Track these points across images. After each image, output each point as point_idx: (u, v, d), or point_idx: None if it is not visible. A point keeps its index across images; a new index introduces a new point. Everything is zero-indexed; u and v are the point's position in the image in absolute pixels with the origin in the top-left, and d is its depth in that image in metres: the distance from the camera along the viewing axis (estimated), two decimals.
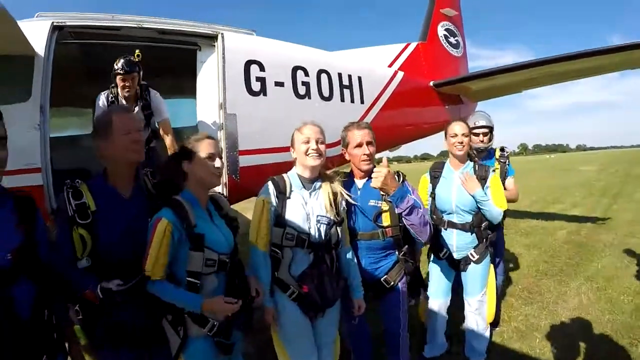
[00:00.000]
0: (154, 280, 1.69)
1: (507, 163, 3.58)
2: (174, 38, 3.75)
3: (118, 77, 3.33)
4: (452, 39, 7.54)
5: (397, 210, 2.31)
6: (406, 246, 2.49)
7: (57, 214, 1.90)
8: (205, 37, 3.82)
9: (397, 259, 2.48)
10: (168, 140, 3.57)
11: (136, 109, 3.47)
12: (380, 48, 6.21)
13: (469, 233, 2.86)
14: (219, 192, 3.11)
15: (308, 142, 2.16)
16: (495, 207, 2.78)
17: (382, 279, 2.45)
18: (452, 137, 2.87)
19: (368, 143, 2.42)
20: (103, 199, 1.77)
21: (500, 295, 3.83)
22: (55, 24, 3.26)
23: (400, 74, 5.59)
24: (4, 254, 1.43)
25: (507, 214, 3.18)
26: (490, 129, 3.57)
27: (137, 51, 3.35)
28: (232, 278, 1.89)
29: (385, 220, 2.39)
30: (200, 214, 1.83)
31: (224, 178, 3.52)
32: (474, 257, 2.87)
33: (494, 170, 3.07)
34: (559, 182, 19.17)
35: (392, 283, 2.45)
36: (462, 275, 2.98)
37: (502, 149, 3.67)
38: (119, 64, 3.31)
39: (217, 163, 1.89)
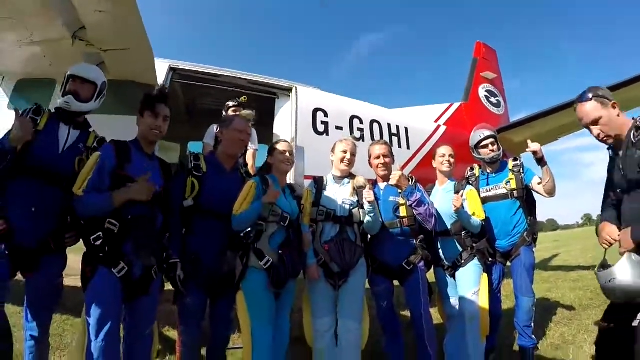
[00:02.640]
0: (237, 214, 2.42)
1: (521, 172, 3.53)
2: (259, 87, 4.76)
3: (231, 110, 4.18)
4: (493, 99, 8.25)
5: (408, 203, 2.92)
6: (422, 235, 3.06)
7: (180, 167, 2.73)
8: (282, 89, 4.81)
9: (415, 245, 3.03)
10: (250, 165, 4.36)
11: None
12: (428, 107, 7.01)
13: (451, 239, 3.23)
14: None
15: (345, 152, 2.97)
16: (474, 219, 3.13)
17: (403, 263, 2.98)
18: (440, 157, 3.37)
19: (384, 156, 3.14)
20: (212, 167, 2.61)
21: (537, 319, 3.64)
22: (171, 66, 4.34)
23: (443, 128, 6.31)
24: (158, 186, 2.28)
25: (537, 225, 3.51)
26: (496, 137, 3.64)
27: (243, 97, 4.28)
28: (289, 234, 2.62)
29: (403, 212, 2.99)
30: (276, 186, 2.65)
31: None
32: (459, 262, 3.18)
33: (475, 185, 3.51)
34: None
35: (412, 265, 2.96)
36: (456, 281, 3.23)
37: (515, 159, 3.65)
38: (231, 102, 4.19)
39: (287, 155, 2.76)
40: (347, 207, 2.89)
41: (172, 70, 4.32)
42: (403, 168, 5.31)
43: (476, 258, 3.17)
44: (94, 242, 2.12)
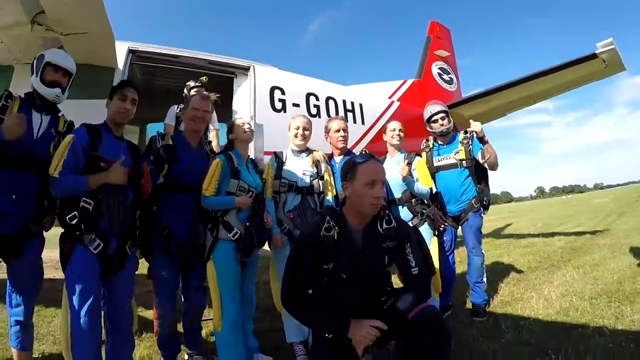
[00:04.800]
0: (207, 195, 2.66)
1: (469, 144, 3.81)
2: (218, 67, 4.92)
3: (193, 90, 4.18)
4: (445, 76, 8.71)
5: None
6: None
7: (148, 147, 2.80)
8: (240, 68, 5.00)
9: None
10: (214, 144, 4.53)
11: None
12: (381, 84, 7.37)
13: (401, 207, 3.53)
14: None
15: (298, 128, 3.26)
16: (421, 186, 3.43)
17: None
18: (391, 131, 3.66)
19: (343, 129, 3.46)
20: (179, 144, 2.78)
21: (489, 279, 4.04)
22: (130, 48, 4.41)
23: (397, 104, 6.71)
24: (125, 165, 2.40)
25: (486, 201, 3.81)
26: (446, 112, 3.94)
27: (203, 78, 4.33)
28: (255, 207, 2.85)
29: None
30: (240, 163, 2.88)
31: None
32: None
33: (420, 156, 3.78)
34: (568, 212, 19.51)
35: None
36: None
37: (465, 132, 3.90)
38: (192, 82, 4.25)
39: (246, 127, 2.97)
40: (308, 178, 3.17)
41: (131, 52, 4.40)
42: (358, 142, 5.70)
43: (426, 223, 3.48)
44: (70, 222, 2.23)
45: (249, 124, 3.05)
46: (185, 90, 4.37)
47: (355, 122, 5.80)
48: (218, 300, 2.62)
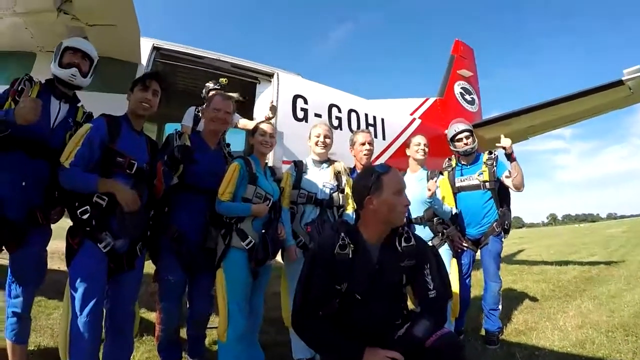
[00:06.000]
0: (223, 200, 2.53)
1: (494, 165, 3.70)
2: (242, 72, 4.82)
3: (211, 92, 4.21)
4: (467, 97, 8.57)
5: None
6: None
7: (164, 145, 2.70)
8: (264, 74, 4.90)
9: None
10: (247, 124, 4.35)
11: None
12: (403, 100, 7.24)
13: (422, 226, 3.43)
14: None
15: (319, 136, 3.14)
16: (445, 205, 3.35)
17: None
18: (415, 145, 3.59)
19: (369, 143, 3.36)
20: (196, 145, 2.67)
21: (502, 306, 3.86)
22: (155, 45, 4.33)
23: (418, 121, 6.56)
24: (143, 161, 2.36)
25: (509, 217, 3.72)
26: (471, 132, 3.82)
27: (223, 80, 4.32)
28: (271, 216, 2.72)
29: None
30: (258, 169, 2.74)
31: None
32: None
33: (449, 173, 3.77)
34: (581, 240, 19.09)
35: None
36: None
37: (490, 152, 3.82)
38: (211, 84, 4.22)
39: (268, 138, 2.85)
40: (328, 190, 3.05)
41: (156, 49, 4.32)
42: (378, 157, 5.53)
43: (446, 244, 3.38)
44: (81, 216, 2.14)
45: (272, 135, 2.91)
46: (203, 92, 4.29)
47: (376, 137, 5.63)
48: (225, 310, 2.49)
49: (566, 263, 9.13)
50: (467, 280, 3.70)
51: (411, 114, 6.86)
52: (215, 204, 2.56)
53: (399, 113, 6.53)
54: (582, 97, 5.85)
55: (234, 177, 2.58)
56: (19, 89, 2.26)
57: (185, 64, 4.75)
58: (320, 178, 3.09)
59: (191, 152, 2.57)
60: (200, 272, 2.63)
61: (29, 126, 2.14)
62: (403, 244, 1.93)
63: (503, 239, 3.78)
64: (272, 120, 4.52)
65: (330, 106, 5.22)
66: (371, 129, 5.60)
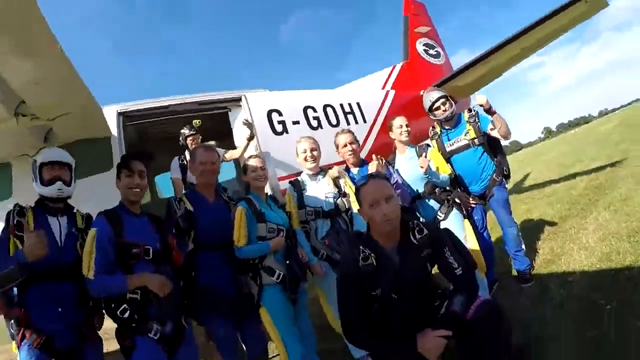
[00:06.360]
0: (241, 246, 2.59)
1: (477, 121, 3.77)
2: (210, 106, 4.85)
3: (189, 139, 4.29)
4: (431, 51, 8.52)
5: None
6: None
7: (167, 215, 2.73)
8: (232, 100, 4.92)
9: None
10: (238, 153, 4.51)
11: None
12: (371, 76, 7.19)
13: (427, 200, 3.52)
14: None
15: (305, 151, 3.20)
16: (441, 175, 3.43)
17: None
18: (397, 128, 3.62)
19: (350, 143, 3.41)
20: (196, 202, 2.73)
21: (524, 240, 3.95)
22: (119, 111, 4.35)
23: (392, 92, 6.56)
24: (156, 243, 2.39)
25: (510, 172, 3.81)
26: (446, 96, 3.85)
27: (196, 121, 4.38)
28: (289, 243, 2.79)
29: None
30: (262, 205, 2.80)
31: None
32: (440, 216, 3.43)
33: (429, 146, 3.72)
34: (579, 146, 19.12)
35: None
36: None
37: (469, 110, 3.88)
38: (187, 130, 4.29)
39: (260, 172, 2.90)
40: (331, 200, 3.12)
41: (121, 114, 4.34)
42: (365, 141, 5.59)
43: (454, 208, 3.44)
44: (122, 315, 2.18)
45: (262, 167, 2.96)
46: (180, 139, 4.32)
47: (357, 122, 5.68)
48: (281, 344, 2.58)
49: (573, 176, 9.16)
50: (484, 233, 3.79)
51: (383, 88, 6.83)
52: (235, 252, 2.62)
53: (371, 91, 6.52)
54: (547, 20, 5.74)
55: (242, 222, 2.63)
56: (15, 223, 2.25)
57: (155, 118, 4.77)
58: (320, 190, 3.16)
59: (195, 217, 2.65)
60: (244, 317, 2.70)
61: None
62: (417, 236, 2.06)
63: (507, 185, 3.87)
64: (254, 142, 4.57)
65: (305, 109, 5.23)
66: (350, 116, 5.65)
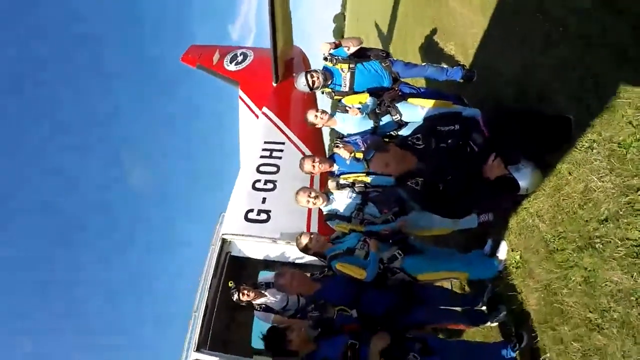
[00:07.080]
0: (367, 275, 3.01)
1: (338, 57, 4.16)
2: None
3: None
4: (238, 59, 8.05)
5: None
6: None
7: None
8: None
9: None
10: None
11: None
12: (242, 125, 7.27)
13: (380, 121, 4.06)
14: None
15: (308, 202, 3.64)
16: (367, 103, 3.98)
17: None
18: (314, 118, 4.03)
19: (313, 167, 3.76)
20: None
21: (438, 64, 4.91)
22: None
23: (266, 109, 6.63)
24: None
25: None
26: (308, 71, 4.16)
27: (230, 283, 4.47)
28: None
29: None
30: (340, 246, 3.34)
31: None
32: (397, 118, 4.01)
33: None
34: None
35: None
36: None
37: (326, 59, 4.20)
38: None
39: (304, 241, 3.44)
40: (357, 195, 3.60)
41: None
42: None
43: (395, 104, 3.97)
44: None
45: (303, 239, 3.39)
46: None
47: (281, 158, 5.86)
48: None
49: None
50: (425, 92, 4.33)
51: (257, 118, 6.84)
52: (365, 281, 3.01)
53: (257, 129, 6.61)
54: None
55: (349, 267, 3.03)
56: None
57: None
58: (344, 198, 3.61)
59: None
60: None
61: None
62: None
63: (396, 58, 4.39)
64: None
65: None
66: (275, 153, 5.85)
